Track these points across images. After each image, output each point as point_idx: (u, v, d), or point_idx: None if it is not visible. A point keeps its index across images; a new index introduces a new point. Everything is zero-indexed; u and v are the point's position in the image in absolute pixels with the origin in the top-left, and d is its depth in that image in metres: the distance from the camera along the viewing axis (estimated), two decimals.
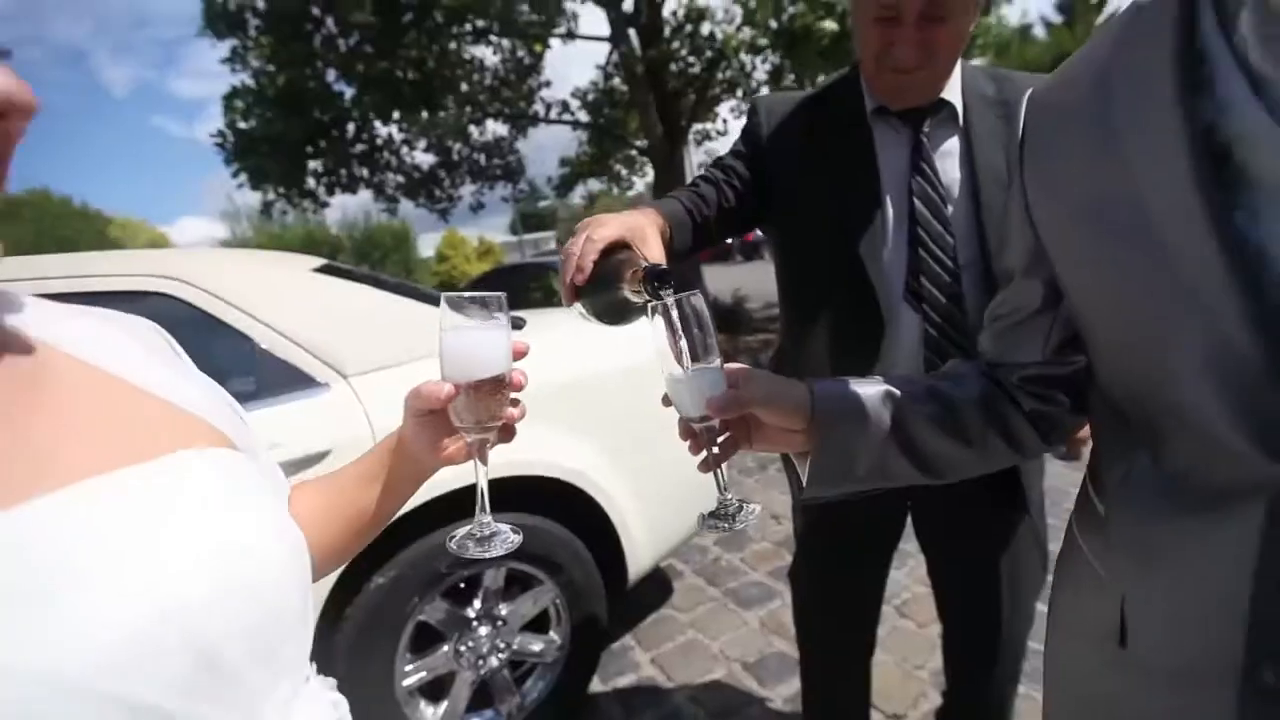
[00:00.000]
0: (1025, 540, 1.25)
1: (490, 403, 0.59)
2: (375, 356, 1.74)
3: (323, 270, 1.96)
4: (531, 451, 1.83)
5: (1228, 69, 0.43)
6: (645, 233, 0.86)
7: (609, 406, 2.02)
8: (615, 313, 0.77)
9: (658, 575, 2.75)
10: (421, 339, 1.86)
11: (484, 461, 0.61)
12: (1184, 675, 0.47)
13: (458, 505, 1.61)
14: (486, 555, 0.60)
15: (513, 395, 0.62)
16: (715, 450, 0.63)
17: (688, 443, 0.65)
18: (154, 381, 0.49)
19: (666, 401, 0.65)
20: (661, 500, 2.09)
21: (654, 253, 0.85)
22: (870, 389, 0.67)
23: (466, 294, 0.59)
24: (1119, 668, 0.53)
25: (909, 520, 1.35)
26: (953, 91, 1.10)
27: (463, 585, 1.82)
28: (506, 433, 0.64)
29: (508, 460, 1.76)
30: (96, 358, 0.47)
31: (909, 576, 2.47)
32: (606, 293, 0.75)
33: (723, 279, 11.91)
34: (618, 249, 0.81)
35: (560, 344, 2.07)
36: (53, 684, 0.31)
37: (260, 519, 0.45)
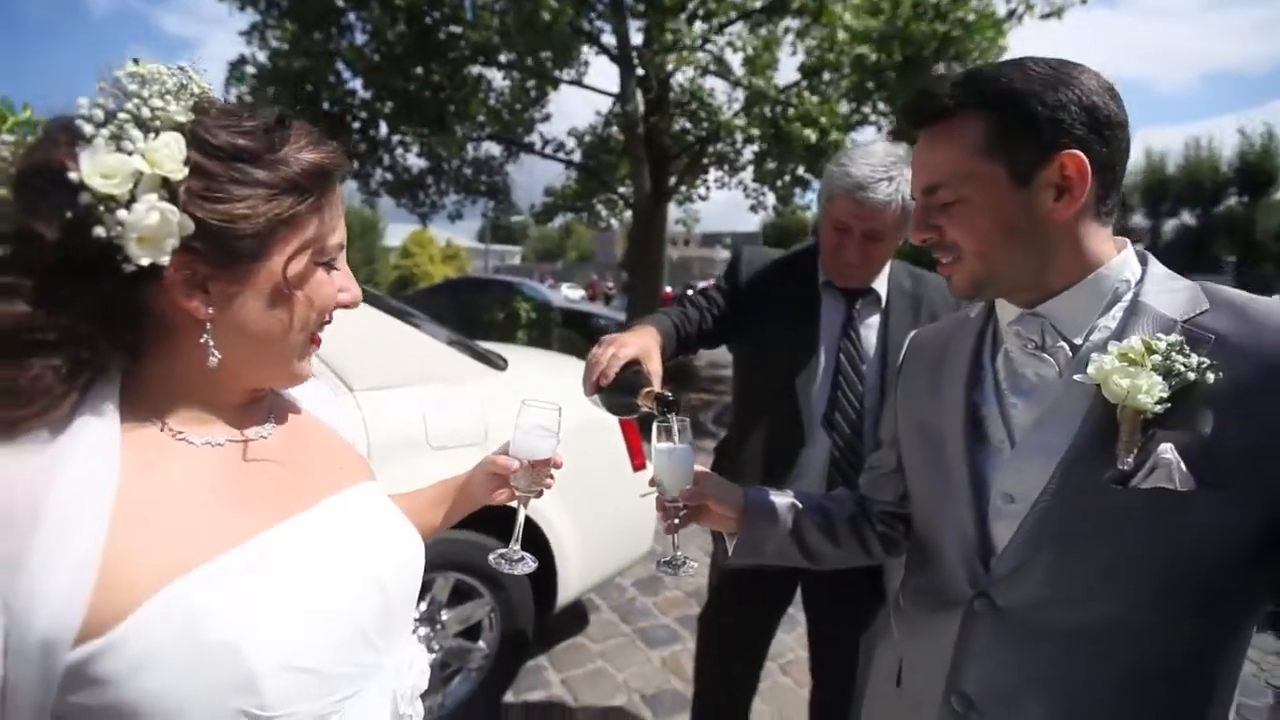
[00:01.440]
0: (881, 623, 1.61)
1: (540, 475, 0.90)
2: (379, 376, 1.99)
3: None
4: None
5: (987, 377, 0.81)
6: (652, 353, 1.20)
7: (566, 452, 2.32)
8: (622, 410, 1.10)
9: (576, 607, 3.00)
10: (420, 366, 2.13)
11: (525, 508, 0.91)
12: (923, 701, 0.81)
13: None
14: (514, 572, 0.90)
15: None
16: (677, 521, 0.95)
17: (659, 513, 0.97)
18: (338, 425, 0.79)
19: (652, 483, 0.97)
20: (595, 541, 2.38)
21: (656, 366, 1.19)
22: (782, 500, 1.01)
23: (537, 401, 0.90)
24: (897, 696, 0.88)
25: (799, 591, 1.70)
26: (881, 282, 1.51)
27: None
28: (538, 494, 0.94)
29: None
30: (319, 412, 0.76)
31: (796, 641, 2.81)
32: (622, 396, 1.08)
33: None
34: (632, 362, 1.14)
35: (532, 388, 2.36)
36: (358, 604, 0.61)
37: (402, 523, 0.75)
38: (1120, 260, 0.74)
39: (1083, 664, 0.70)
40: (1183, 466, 0.63)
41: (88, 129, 0.51)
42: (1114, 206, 0.74)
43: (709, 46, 7.47)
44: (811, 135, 6.66)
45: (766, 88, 7.31)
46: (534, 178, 12.07)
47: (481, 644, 2.20)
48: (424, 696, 2.09)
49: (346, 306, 0.68)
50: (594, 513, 2.37)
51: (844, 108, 7.92)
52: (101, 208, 0.51)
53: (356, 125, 7.88)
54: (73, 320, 0.52)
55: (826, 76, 7.30)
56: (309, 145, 0.60)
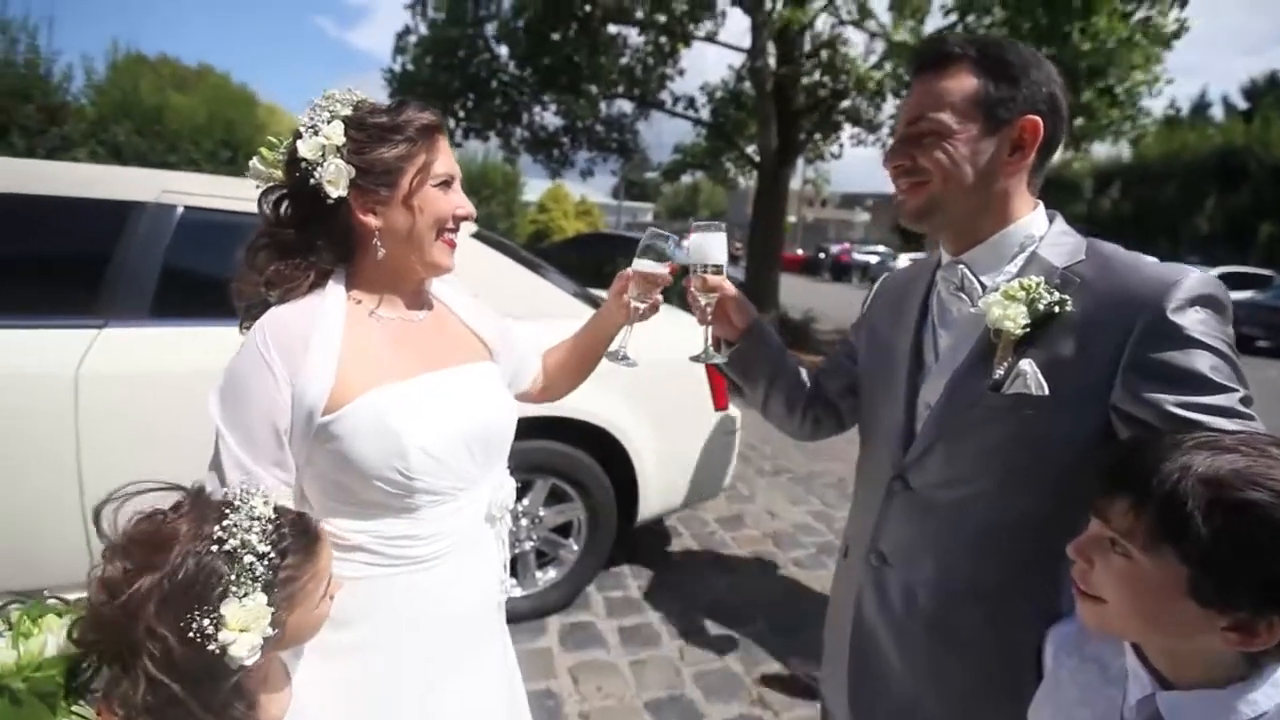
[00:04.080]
0: None
1: (648, 286, 1.16)
2: (504, 308, 2.39)
3: (476, 235, 2.64)
4: (598, 406, 2.47)
5: (929, 313, 0.98)
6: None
7: (659, 391, 2.62)
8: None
9: (661, 531, 3.36)
10: (538, 304, 2.52)
11: (633, 321, 1.19)
12: (856, 562, 1.03)
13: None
14: (618, 365, 1.21)
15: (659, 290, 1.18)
16: (709, 316, 1.15)
17: (694, 309, 1.16)
18: (468, 318, 1.12)
19: (686, 271, 1.16)
20: (675, 470, 2.70)
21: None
22: (778, 346, 1.21)
23: (654, 229, 1.16)
24: (844, 567, 1.10)
25: None
26: None
27: (519, 486, 2.49)
28: (653, 308, 1.20)
29: (578, 408, 2.40)
30: (452, 306, 1.11)
31: None
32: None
33: (801, 294, 12.19)
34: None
35: (638, 335, 2.70)
36: (468, 432, 0.96)
37: (502, 392, 1.08)
38: (1029, 219, 0.89)
39: (957, 527, 0.89)
40: (1039, 376, 0.79)
41: (302, 129, 0.89)
42: (1040, 181, 0.88)
43: None
44: None
45: (908, 37, 6.91)
46: (665, 135, 12.24)
47: (571, 542, 2.61)
48: (522, 575, 2.62)
49: (465, 218, 1.00)
50: (676, 445, 2.68)
51: None
52: (310, 168, 0.87)
53: (500, 89, 8.52)
54: (308, 235, 0.91)
55: (972, 19, 6.74)
56: (415, 112, 0.93)
